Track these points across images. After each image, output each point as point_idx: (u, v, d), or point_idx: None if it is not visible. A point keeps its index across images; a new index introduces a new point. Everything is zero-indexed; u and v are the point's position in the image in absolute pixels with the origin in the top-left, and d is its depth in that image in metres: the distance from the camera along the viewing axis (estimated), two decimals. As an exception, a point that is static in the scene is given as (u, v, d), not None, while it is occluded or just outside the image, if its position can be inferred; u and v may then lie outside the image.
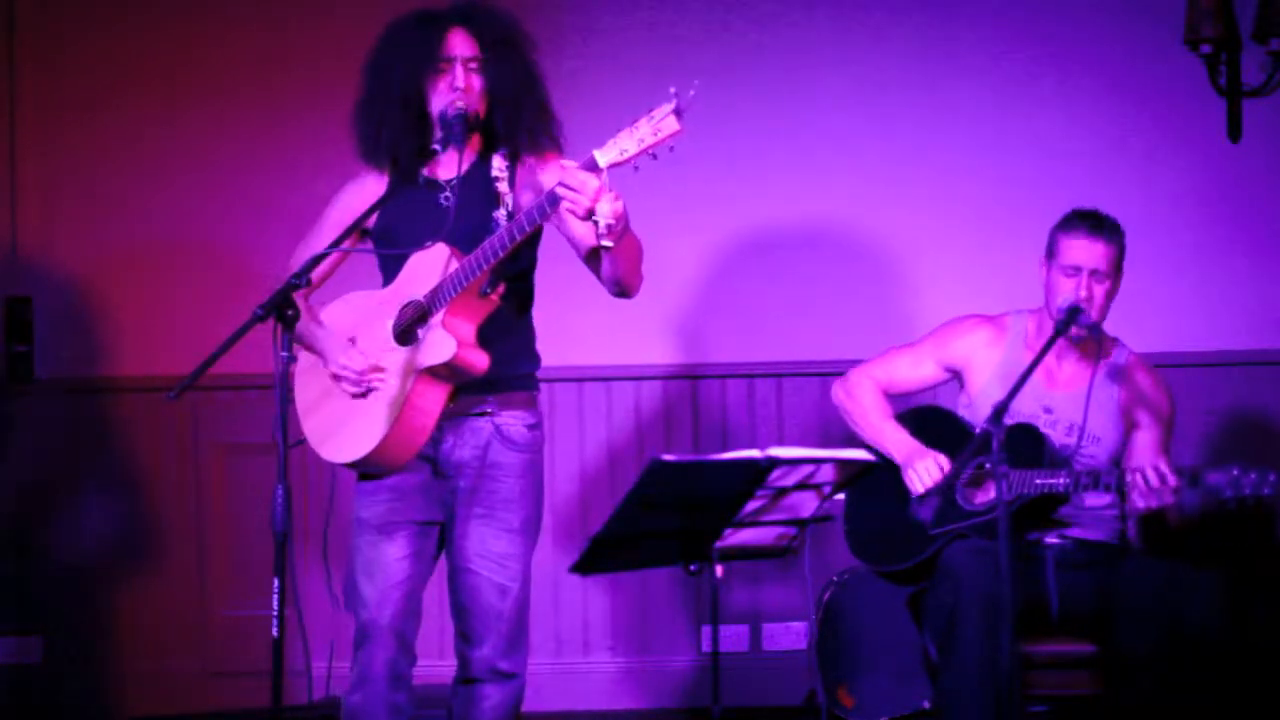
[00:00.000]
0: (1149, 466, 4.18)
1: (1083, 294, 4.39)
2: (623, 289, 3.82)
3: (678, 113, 3.53)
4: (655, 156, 3.58)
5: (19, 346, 5.72)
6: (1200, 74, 5.32)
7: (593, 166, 3.59)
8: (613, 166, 3.58)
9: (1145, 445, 4.49)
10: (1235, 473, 4.10)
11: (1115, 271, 4.45)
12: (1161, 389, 4.55)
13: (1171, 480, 4.16)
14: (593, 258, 3.82)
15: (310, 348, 3.95)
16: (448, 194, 3.89)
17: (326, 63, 5.63)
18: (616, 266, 3.75)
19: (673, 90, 3.54)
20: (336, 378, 3.87)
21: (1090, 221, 4.45)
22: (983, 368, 4.59)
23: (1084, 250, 4.42)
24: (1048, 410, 4.47)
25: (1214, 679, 4.18)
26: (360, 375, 3.83)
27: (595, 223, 3.62)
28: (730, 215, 5.71)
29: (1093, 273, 4.41)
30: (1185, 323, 5.64)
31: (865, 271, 5.73)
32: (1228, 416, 5.63)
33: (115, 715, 5.71)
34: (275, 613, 3.56)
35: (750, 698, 5.62)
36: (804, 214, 5.74)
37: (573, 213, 3.62)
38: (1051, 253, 4.49)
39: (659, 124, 3.55)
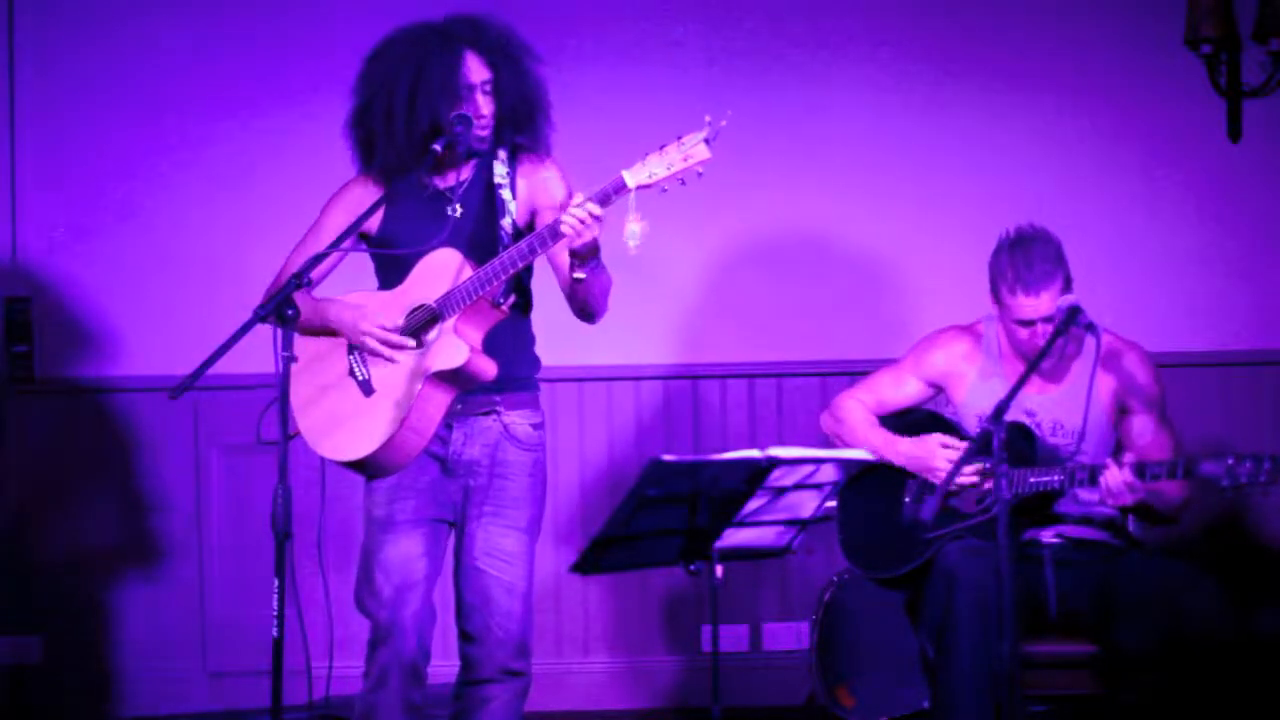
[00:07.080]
0: (1112, 471, 4.15)
1: (1039, 341, 4.31)
2: (588, 314, 3.85)
3: (708, 140, 3.55)
4: (684, 183, 3.60)
5: (19, 346, 5.72)
6: (1200, 74, 5.30)
7: (621, 187, 3.62)
8: (641, 188, 3.60)
9: (1143, 429, 4.45)
10: (1230, 461, 4.06)
11: (1064, 293, 4.34)
12: (1148, 367, 4.48)
13: (1138, 484, 4.14)
14: (571, 283, 3.85)
15: (323, 327, 3.89)
16: (455, 206, 3.88)
17: (326, 68, 5.64)
18: (590, 293, 3.78)
19: (706, 119, 3.58)
20: (362, 345, 3.81)
21: (1026, 275, 4.31)
22: (963, 378, 4.57)
23: (1029, 308, 4.33)
24: (1030, 414, 4.45)
25: (1213, 676, 4.17)
26: (392, 336, 3.78)
27: (586, 250, 3.66)
28: (731, 216, 5.71)
29: (1044, 319, 4.33)
30: (1185, 322, 5.64)
31: (866, 272, 5.74)
32: (1227, 417, 5.63)
33: (115, 715, 5.71)
34: (275, 613, 3.56)
35: (750, 698, 5.62)
36: (805, 216, 5.74)
37: (571, 241, 3.63)
38: (997, 299, 4.40)
39: (689, 150, 3.58)
